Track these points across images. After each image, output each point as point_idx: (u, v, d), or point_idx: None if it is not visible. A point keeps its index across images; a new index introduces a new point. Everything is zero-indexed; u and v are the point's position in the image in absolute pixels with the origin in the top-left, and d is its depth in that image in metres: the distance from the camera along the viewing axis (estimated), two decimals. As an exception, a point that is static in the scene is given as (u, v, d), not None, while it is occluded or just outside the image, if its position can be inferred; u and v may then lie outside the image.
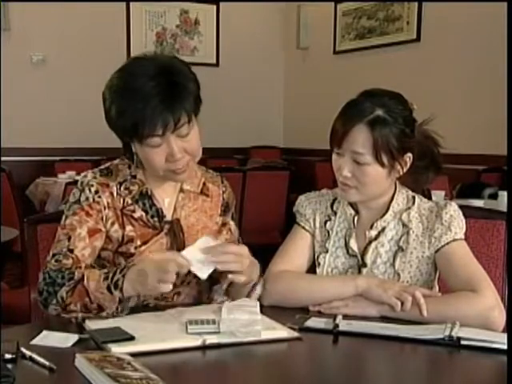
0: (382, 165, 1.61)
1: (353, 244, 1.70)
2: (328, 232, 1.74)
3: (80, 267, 1.55)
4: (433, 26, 5.69)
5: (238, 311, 1.44)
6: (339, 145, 1.62)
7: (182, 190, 1.69)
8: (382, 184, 1.66)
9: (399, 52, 6.06)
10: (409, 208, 1.69)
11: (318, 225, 1.76)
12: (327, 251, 1.73)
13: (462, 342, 1.36)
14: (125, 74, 1.57)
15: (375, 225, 1.69)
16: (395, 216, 1.69)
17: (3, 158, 5.48)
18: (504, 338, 1.36)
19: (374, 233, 1.69)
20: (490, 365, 1.36)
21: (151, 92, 1.50)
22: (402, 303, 1.52)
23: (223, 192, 1.77)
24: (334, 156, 1.66)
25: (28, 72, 6.35)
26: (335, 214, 1.75)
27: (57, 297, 1.50)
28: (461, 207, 1.70)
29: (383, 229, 1.69)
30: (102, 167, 1.69)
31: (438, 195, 3.46)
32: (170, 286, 1.41)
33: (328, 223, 1.75)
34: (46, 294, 1.52)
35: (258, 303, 1.48)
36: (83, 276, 1.50)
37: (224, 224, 1.76)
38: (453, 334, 1.38)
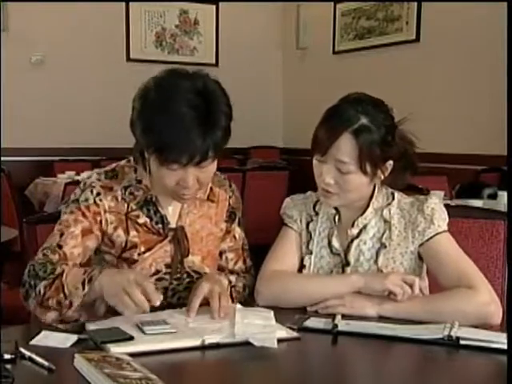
0: (365, 173, 1.62)
1: (335, 242, 1.71)
2: (310, 234, 1.75)
3: (66, 264, 1.53)
4: (432, 26, 5.69)
5: (252, 316, 1.46)
6: (323, 153, 1.62)
7: None
8: (364, 190, 1.68)
9: (398, 52, 6.05)
10: (389, 204, 1.70)
11: (303, 226, 1.77)
12: (311, 252, 1.73)
13: (461, 342, 1.37)
14: (163, 91, 1.51)
15: (356, 223, 1.70)
16: (376, 213, 1.70)
17: (2, 158, 5.47)
18: (503, 337, 1.36)
19: (355, 231, 1.70)
20: (490, 365, 1.36)
21: (192, 123, 1.46)
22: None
23: (229, 197, 1.76)
24: (315, 162, 1.66)
25: (27, 72, 6.34)
26: (317, 214, 1.76)
27: (35, 290, 1.48)
28: (460, 207, 1.71)
29: (365, 226, 1.70)
30: (108, 168, 1.67)
31: (438, 195, 3.45)
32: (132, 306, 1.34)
33: (310, 224, 1.76)
34: (27, 286, 1.50)
35: (271, 311, 1.50)
36: (63, 271, 1.48)
37: (228, 231, 1.76)
38: (452, 333, 1.38)
